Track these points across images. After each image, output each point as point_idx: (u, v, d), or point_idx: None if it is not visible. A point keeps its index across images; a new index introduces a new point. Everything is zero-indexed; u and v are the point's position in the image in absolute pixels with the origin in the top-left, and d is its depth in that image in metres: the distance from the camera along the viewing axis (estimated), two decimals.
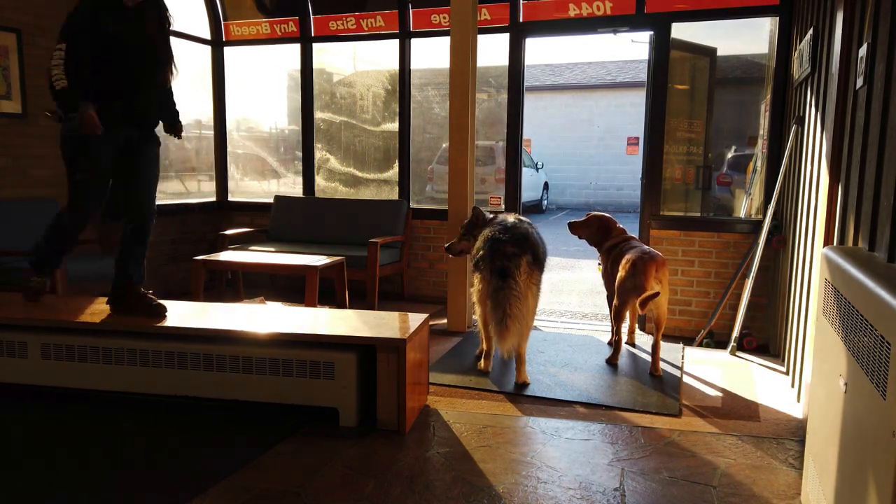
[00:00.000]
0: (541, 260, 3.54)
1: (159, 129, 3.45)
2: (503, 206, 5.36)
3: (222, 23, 6.23)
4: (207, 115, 6.38)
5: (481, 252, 3.51)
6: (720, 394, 3.49)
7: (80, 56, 3.03)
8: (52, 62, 3.08)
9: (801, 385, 3.24)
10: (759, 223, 4.41)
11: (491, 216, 3.90)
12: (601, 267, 4.18)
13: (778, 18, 4.51)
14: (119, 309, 3.32)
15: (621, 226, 4.17)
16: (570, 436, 2.90)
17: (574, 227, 4.25)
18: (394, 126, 5.88)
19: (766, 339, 4.44)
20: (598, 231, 4.15)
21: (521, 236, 3.48)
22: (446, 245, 4.15)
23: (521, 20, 5.23)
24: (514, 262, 3.36)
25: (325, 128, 6.23)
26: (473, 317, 4.32)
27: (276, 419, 3.00)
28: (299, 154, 6.21)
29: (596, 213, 4.26)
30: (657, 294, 3.56)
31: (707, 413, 3.19)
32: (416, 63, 5.72)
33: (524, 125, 5.45)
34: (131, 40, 3.15)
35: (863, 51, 2.40)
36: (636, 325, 4.43)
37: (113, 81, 3.15)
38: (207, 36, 6.21)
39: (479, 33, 4.67)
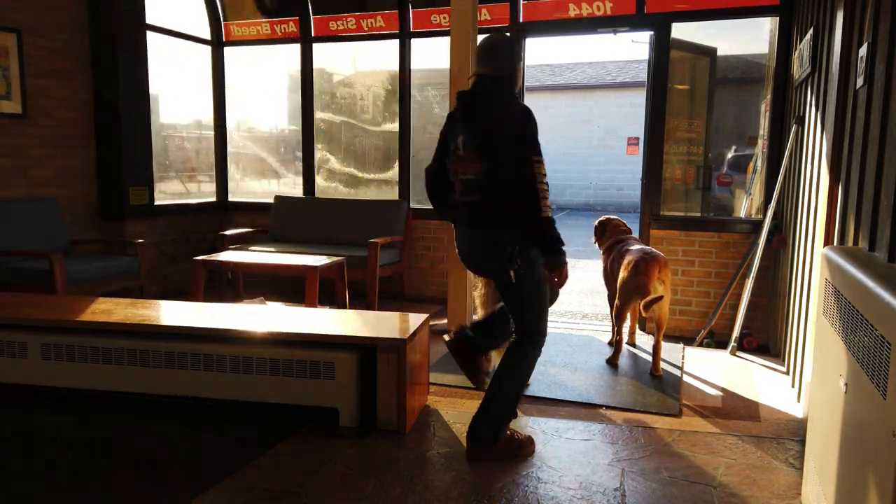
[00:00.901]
0: None
1: None
2: None
3: (222, 23, 6.23)
4: (207, 116, 6.38)
5: None
6: (720, 394, 3.49)
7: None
8: (537, 177, 2.35)
9: (801, 385, 3.23)
10: (760, 223, 4.41)
11: None
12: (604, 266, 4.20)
13: (778, 18, 4.51)
14: (456, 357, 2.90)
15: (625, 226, 4.20)
16: (570, 436, 2.90)
17: (594, 235, 4.38)
18: (394, 126, 5.88)
19: (767, 339, 4.44)
20: (597, 233, 4.30)
21: None
22: None
23: (521, 20, 5.23)
24: None
25: (325, 128, 6.22)
26: (475, 317, 4.31)
27: (276, 419, 3.00)
28: (299, 154, 6.21)
29: (601, 217, 4.38)
30: (661, 297, 3.56)
31: (707, 413, 3.19)
32: (416, 63, 5.71)
33: None
34: None
35: (863, 51, 2.40)
36: (637, 326, 4.43)
37: None
38: (207, 36, 6.21)
39: (480, 33, 4.66)
